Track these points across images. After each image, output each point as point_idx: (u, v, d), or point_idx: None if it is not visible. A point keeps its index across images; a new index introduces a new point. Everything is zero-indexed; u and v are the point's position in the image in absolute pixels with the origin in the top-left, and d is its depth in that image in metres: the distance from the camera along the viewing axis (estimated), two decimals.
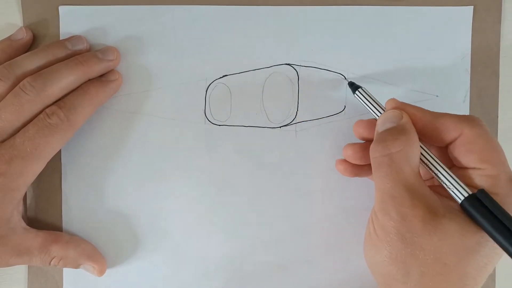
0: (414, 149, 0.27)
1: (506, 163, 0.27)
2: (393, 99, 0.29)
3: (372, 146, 0.28)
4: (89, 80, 0.32)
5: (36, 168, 0.30)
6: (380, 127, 0.28)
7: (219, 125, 0.34)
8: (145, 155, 0.34)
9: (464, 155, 0.27)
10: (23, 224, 0.32)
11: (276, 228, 0.34)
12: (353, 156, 0.31)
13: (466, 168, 0.27)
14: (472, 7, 0.34)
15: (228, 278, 0.34)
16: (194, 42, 0.34)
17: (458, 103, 0.34)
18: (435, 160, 0.27)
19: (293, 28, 0.34)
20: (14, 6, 0.34)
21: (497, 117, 0.34)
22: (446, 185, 0.26)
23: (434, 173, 0.27)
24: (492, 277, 0.34)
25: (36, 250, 0.31)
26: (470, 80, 0.34)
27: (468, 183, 0.27)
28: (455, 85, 0.34)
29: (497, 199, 0.25)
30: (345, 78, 0.33)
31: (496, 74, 0.34)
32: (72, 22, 0.33)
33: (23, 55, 0.31)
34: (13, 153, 0.29)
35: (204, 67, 0.34)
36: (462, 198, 0.26)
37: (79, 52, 0.32)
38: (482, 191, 0.25)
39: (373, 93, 0.31)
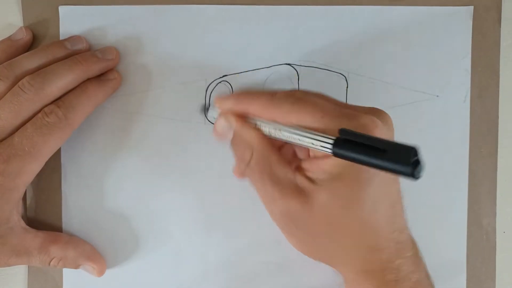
0: (262, 146, 0.28)
1: (326, 115, 0.26)
2: (217, 97, 0.30)
3: (235, 168, 0.30)
4: (88, 79, 0.32)
5: (34, 167, 0.30)
6: (223, 138, 0.30)
7: None
8: (145, 155, 0.34)
9: None
10: (23, 224, 0.32)
11: (276, 228, 0.34)
12: None
13: None
14: (472, 7, 0.34)
15: (228, 278, 0.34)
16: (194, 42, 0.34)
17: (459, 103, 0.34)
18: (289, 130, 0.27)
19: (293, 28, 0.34)
20: (14, 6, 0.34)
21: (498, 117, 0.34)
22: (310, 145, 0.26)
23: (295, 141, 0.27)
24: (492, 277, 0.34)
25: (35, 250, 0.31)
26: (471, 80, 0.34)
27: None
28: (455, 85, 0.34)
29: None
30: (345, 80, 0.33)
31: (496, 74, 0.34)
32: (72, 22, 0.33)
33: (23, 55, 0.31)
34: (11, 152, 0.29)
35: (204, 67, 0.34)
36: (331, 147, 0.25)
37: (79, 52, 0.32)
38: (342, 130, 0.25)
39: (373, 93, 0.31)
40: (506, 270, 0.34)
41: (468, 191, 0.34)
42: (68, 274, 0.34)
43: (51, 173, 0.34)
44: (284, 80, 0.34)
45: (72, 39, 0.33)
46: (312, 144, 0.26)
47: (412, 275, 0.27)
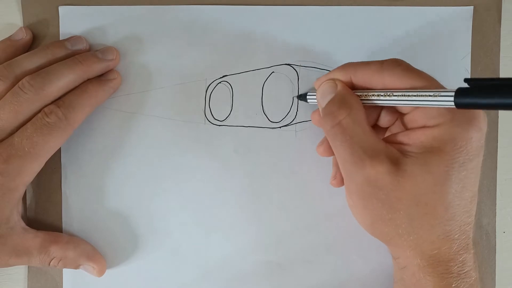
0: (358, 110, 0.27)
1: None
2: (320, 78, 0.30)
3: (321, 120, 0.29)
4: (88, 79, 0.32)
5: (34, 167, 0.30)
6: (322, 102, 0.29)
7: (219, 125, 0.34)
8: (145, 155, 0.34)
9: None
10: (23, 224, 0.32)
11: (276, 228, 0.34)
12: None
13: (405, 113, 0.28)
14: (472, 7, 0.34)
15: (228, 278, 0.34)
16: (194, 42, 0.34)
17: None
18: (401, 92, 0.27)
19: (293, 28, 0.34)
20: (14, 6, 0.34)
21: (498, 116, 0.34)
22: (429, 103, 0.25)
23: (409, 103, 0.26)
24: (492, 277, 0.34)
25: (35, 250, 0.31)
26: None
27: (415, 128, 0.27)
28: (455, 85, 0.34)
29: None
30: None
31: (496, 74, 0.34)
32: (72, 22, 0.33)
33: (23, 55, 0.31)
34: (11, 152, 0.29)
35: (204, 67, 0.34)
36: (452, 99, 0.24)
37: (79, 52, 0.32)
38: (466, 79, 0.24)
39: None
40: (506, 270, 0.34)
41: None
42: (68, 274, 0.34)
43: (51, 173, 0.34)
44: (284, 80, 0.34)
45: (72, 39, 0.33)
46: (430, 101, 0.25)
47: (473, 273, 0.27)
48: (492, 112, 0.34)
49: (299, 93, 0.34)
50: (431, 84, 0.26)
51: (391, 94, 0.27)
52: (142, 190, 0.34)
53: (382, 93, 0.27)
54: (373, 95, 0.28)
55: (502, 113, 0.34)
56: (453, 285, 0.26)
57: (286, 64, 0.34)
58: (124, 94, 0.34)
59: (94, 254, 0.33)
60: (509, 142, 0.34)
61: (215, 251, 0.34)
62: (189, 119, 0.34)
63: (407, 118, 0.28)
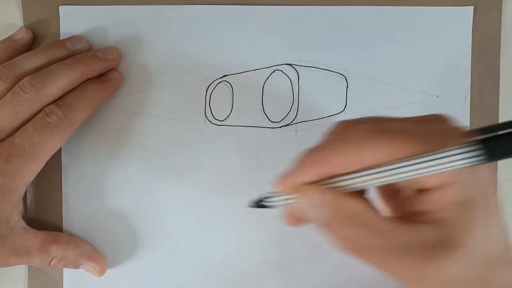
0: (363, 222, 0.22)
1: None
2: (277, 180, 0.24)
3: (344, 247, 0.23)
4: (89, 79, 0.32)
5: (34, 167, 0.30)
6: (315, 218, 0.23)
7: (219, 125, 0.34)
8: (145, 155, 0.34)
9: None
10: (23, 224, 0.32)
11: (276, 228, 0.34)
12: None
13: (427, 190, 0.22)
14: (472, 7, 0.34)
15: (228, 278, 0.34)
16: (194, 42, 0.34)
17: (459, 103, 0.34)
18: (394, 166, 0.21)
19: (293, 28, 0.34)
20: (14, 6, 0.34)
21: (498, 117, 0.34)
22: (442, 168, 0.20)
23: (411, 175, 0.21)
24: None
25: (35, 250, 0.31)
26: (471, 80, 0.34)
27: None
28: (455, 85, 0.34)
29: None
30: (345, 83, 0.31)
31: (496, 74, 0.34)
32: (72, 22, 0.33)
33: (23, 54, 0.31)
34: (12, 152, 0.29)
35: (204, 67, 0.34)
36: (481, 152, 0.20)
37: (79, 51, 0.32)
38: (482, 129, 0.20)
39: (373, 93, 0.31)
40: None
41: None
42: (69, 274, 0.34)
43: (51, 173, 0.34)
44: (284, 80, 0.34)
45: (73, 39, 0.33)
46: (446, 164, 0.20)
47: None
48: (492, 112, 0.34)
49: (254, 202, 0.27)
50: (419, 144, 0.21)
51: (382, 171, 0.21)
52: (142, 190, 0.34)
53: (368, 178, 0.22)
54: (342, 182, 0.22)
55: (502, 114, 0.34)
56: None
57: (286, 64, 0.34)
58: (124, 94, 0.34)
59: (94, 254, 0.33)
60: None
61: (215, 251, 0.34)
62: (189, 119, 0.34)
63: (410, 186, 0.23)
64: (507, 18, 0.34)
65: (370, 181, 0.22)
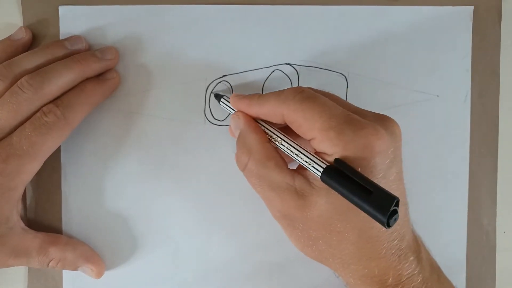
0: (260, 149, 0.28)
1: (333, 117, 0.26)
2: (232, 96, 0.30)
3: (236, 162, 0.30)
4: (87, 79, 0.32)
5: (33, 166, 0.30)
6: (235, 135, 0.30)
7: (219, 125, 0.34)
8: (144, 155, 0.34)
9: (297, 131, 0.27)
10: (22, 224, 0.32)
11: (276, 228, 0.34)
12: None
13: (309, 140, 0.27)
14: (472, 7, 0.34)
15: (228, 278, 0.34)
16: (194, 42, 0.34)
17: (459, 103, 0.34)
18: (289, 143, 0.28)
19: (293, 28, 0.34)
20: (14, 6, 0.34)
21: (498, 117, 0.34)
22: (304, 164, 0.27)
23: (292, 156, 0.28)
24: (492, 277, 0.34)
25: (34, 251, 0.31)
26: (471, 80, 0.34)
27: (319, 153, 0.27)
28: (455, 85, 0.34)
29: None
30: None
31: (496, 74, 0.34)
32: (71, 22, 0.33)
33: (22, 54, 0.31)
34: (10, 151, 0.29)
35: (204, 67, 0.34)
36: (320, 173, 0.25)
37: (78, 51, 0.32)
38: (337, 160, 0.25)
39: (373, 93, 0.31)
40: (506, 270, 0.34)
41: (468, 191, 0.34)
42: (68, 275, 0.34)
43: (51, 173, 0.34)
44: (284, 80, 0.34)
45: (72, 39, 0.33)
46: (305, 162, 0.26)
47: (416, 277, 0.27)
48: (492, 112, 0.34)
49: (213, 94, 0.33)
50: (327, 121, 0.25)
51: (280, 141, 0.28)
52: (142, 190, 0.34)
53: (273, 135, 0.29)
54: (269, 136, 0.29)
55: (502, 113, 0.34)
56: None
57: (286, 63, 0.34)
58: (124, 94, 0.34)
59: (93, 256, 0.33)
60: (509, 142, 0.34)
61: (215, 251, 0.34)
62: (189, 119, 0.34)
63: (311, 144, 0.27)
64: (507, 18, 0.34)
65: (273, 139, 0.29)
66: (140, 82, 0.34)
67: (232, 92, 0.34)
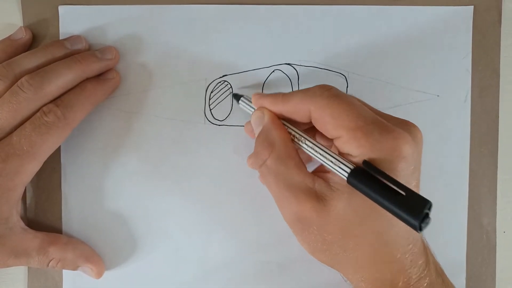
0: (282, 147, 0.28)
1: (360, 117, 0.26)
2: (254, 95, 0.30)
3: (250, 159, 0.29)
4: (87, 79, 0.32)
5: (33, 166, 0.30)
6: (255, 131, 0.30)
7: (219, 125, 0.34)
8: (145, 155, 0.34)
9: (322, 130, 0.27)
10: (22, 224, 0.32)
11: (276, 228, 0.34)
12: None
13: (333, 139, 0.27)
14: (472, 7, 0.34)
15: (228, 278, 0.34)
16: (194, 42, 0.34)
17: (459, 103, 0.34)
18: (313, 143, 0.27)
19: (293, 28, 0.34)
20: (14, 6, 0.34)
21: (498, 116, 0.34)
22: (328, 166, 0.26)
23: (315, 157, 0.27)
24: (492, 277, 0.34)
25: (34, 251, 0.31)
26: (471, 80, 0.34)
27: (343, 154, 0.27)
28: (456, 85, 0.34)
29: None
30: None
31: (496, 74, 0.34)
32: (71, 22, 0.33)
33: (22, 54, 0.31)
34: (10, 151, 0.29)
35: (204, 67, 0.34)
36: (346, 175, 0.25)
37: (78, 51, 0.32)
38: (365, 162, 0.24)
39: (373, 93, 0.31)
40: (506, 270, 0.34)
41: (468, 191, 0.34)
42: (68, 274, 0.34)
43: (51, 173, 0.34)
44: (284, 80, 0.34)
45: (72, 38, 0.33)
46: (331, 163, 0.26)
47: (423, 280, 0.27)
48: (492, 112, 0.34)
49: (235, 94, 0.33)
50: (355, 120, 0.25)
51: (304, 141, 0.28)
52: (142, 190, 0.34)
53: (297, 136, 0.28)
54: (292, 135, 0.28)
55: (502, 114, 0.34)
56: None
57: (286, 63, 0.34)
58: (124, 93, 0.34)
59: (93, 256, 0.33)
60: (509, 142, 0.34)
61: (215, 251, 0.34)
62: (189, 118, 0.34)
63: (336, 144, 0.27)
64: (507, 18, 0.34)
65: (296, 139, 0.28)
66: (140, 82, 0.34)
67: (233, 92, 0.34)
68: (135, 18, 0.33)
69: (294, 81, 0.34)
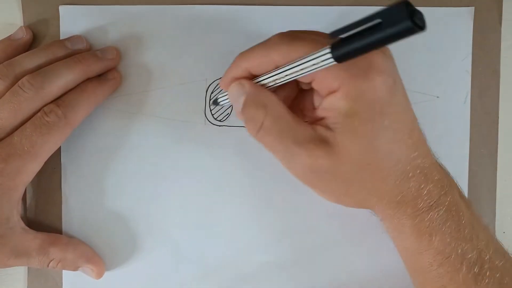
0: (274, 104, 0.27)
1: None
2: (222, 78, 0.29)
3: (247, 128, 0.28)
4: (88, 79, 0.32)
5: (33, 166, 0.30)
6: (236, 107, 0.28)
7: (219, 125, 0.34)
8: (145, 155, 0.34)
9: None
10: (22, 224, 0.32)
11: (275, 228, 0.34)
12: None
13: (310, 83, 0.27)
14: (472, 7, 0.34)
15: (227, 279, 0.34)
16: (194, 42, 0.34)
17: (459, 104, 0.34)
18: (283, 70, 0.26)
19: (293, 28, 0.33)
20: (14, 6, 0.34)
21: (498, 117, 0.34)
22: (311, 68, 0.25)
23: (296, 74, 0.26)
24: None
25: (34, 251, 0.31)
26: (471, 80, 0.34)
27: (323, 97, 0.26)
28: (456, 86, 0.34)
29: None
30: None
31: (497, 75, 0.34)
32: (72, 21, 0.33)
33: (23, 54, 0.31)
34: (11, 151, 0.29)
35: (204, 67, 0.34)
36: (331, 55, 0.24)
37: (79, 51, 0.32)
38: (330, 33, 0.23)
39: None
40: None
41: (468, 191, 0.34)
42: (68, 275, 0.34)
43: (51, 173, 0.34)
44: None
45: (73, 38, 0.33)
46: (314, 64, 0.25)
47: (444, 198, 0.27)
48: (492, 112, 0.34)
49: (211, 100, 0.33)
50: (315, 46, 0.25)
51: (280, 72, 0.27)
52: (142, 190, 0.34)
53: (274, 75, 0.27)
54: (263, 80, 0.28)
55: (502, 113, 0.34)
56: (426, 219, 0.27)
57: None
58: (124, 94, 0.34)
59: (93, 256, 0.33)
60: (509, 143, 0.34)
61: (215, 251, 0.34)
62: (189, 119, 0.34)
63: (316, 91, 0.27)
64: (507, 18, 0.34)
65: (276, 79, 0.27)
66: (140, 82, 0.34)
67: None
68: (135, 18, 0.33)
69: None
